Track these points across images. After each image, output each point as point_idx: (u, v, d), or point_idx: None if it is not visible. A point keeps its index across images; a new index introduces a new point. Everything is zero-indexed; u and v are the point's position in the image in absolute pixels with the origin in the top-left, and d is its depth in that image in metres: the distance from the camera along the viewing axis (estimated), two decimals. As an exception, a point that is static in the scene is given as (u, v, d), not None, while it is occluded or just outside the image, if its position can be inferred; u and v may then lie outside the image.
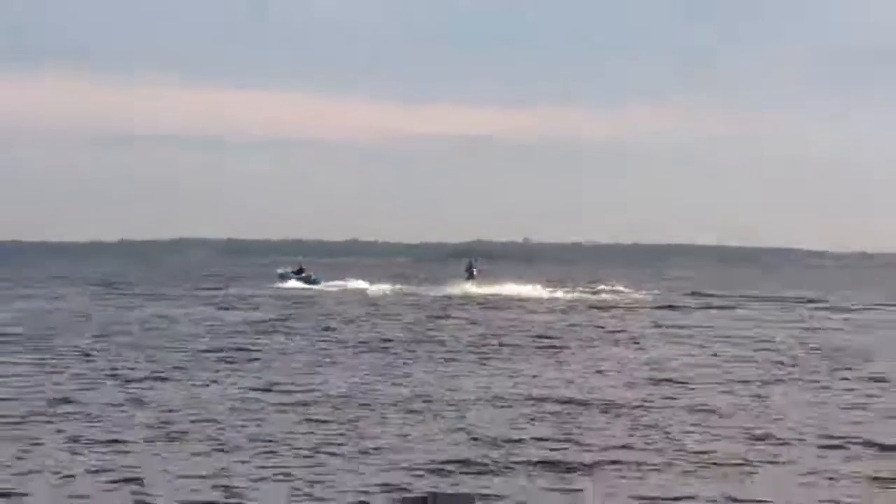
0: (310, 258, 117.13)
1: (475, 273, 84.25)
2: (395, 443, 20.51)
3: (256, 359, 35.04)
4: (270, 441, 20.46)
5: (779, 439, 21.30)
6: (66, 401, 25.15)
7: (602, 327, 50.61)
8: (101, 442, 20.34)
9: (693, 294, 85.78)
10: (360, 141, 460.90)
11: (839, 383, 30.27)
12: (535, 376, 31.24)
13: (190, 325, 49.29)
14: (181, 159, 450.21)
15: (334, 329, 47.58)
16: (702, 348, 40.66)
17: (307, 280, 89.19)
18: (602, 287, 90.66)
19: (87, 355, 35.53)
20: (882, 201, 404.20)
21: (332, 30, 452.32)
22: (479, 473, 17.98)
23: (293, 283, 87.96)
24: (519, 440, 20.74)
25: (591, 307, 67.65)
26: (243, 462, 18.68)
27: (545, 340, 42.95)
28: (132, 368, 31.78)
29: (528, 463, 18.73)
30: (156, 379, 29.48)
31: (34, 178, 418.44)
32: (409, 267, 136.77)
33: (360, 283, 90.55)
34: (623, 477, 17.86)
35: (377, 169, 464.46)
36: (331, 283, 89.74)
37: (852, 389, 28.92)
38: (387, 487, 16.94)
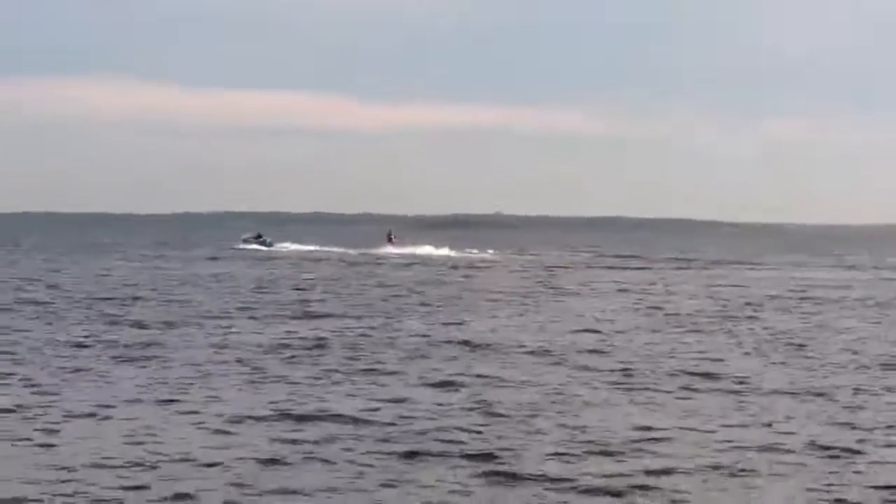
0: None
1: (393, 239, 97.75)
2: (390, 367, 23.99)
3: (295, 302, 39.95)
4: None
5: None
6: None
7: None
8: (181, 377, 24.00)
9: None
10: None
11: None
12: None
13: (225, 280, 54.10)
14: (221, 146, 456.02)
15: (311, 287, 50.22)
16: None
17: (264, 244, 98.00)
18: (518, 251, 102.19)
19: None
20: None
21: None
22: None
23: (254, 246, 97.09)
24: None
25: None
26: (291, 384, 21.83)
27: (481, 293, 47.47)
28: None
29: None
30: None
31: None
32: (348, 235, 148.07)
33: (310, 247, 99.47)
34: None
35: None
36: (281, 245, 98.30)
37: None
38: (383, 401, 19.92)
